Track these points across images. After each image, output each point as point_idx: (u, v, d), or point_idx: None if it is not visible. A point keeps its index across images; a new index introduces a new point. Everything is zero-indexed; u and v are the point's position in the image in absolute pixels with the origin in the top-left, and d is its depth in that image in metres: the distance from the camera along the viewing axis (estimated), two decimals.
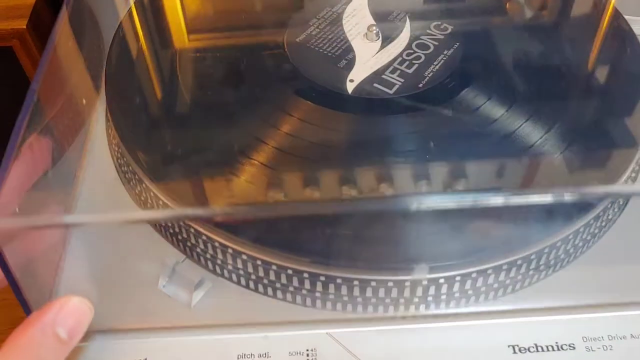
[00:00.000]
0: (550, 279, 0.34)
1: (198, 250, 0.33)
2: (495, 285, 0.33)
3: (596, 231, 0.35)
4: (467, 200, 0.27)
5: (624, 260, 0.35)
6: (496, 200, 0.27)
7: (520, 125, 0.36)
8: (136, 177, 0.35)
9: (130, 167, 0.35)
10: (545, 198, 0.29)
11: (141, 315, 0.32)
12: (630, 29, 0.43)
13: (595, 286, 0.34)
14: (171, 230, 0.34)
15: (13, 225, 0.26)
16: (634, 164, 0.36)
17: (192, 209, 0.33)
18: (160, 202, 0.34)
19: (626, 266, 0.34)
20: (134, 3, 0.45)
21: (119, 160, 0.38)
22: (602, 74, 0.41)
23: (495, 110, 0.37)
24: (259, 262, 0.32)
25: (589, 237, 0.34)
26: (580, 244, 0.34)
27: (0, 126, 0.55)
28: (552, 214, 0.33)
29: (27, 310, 0.28)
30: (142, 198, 0.35)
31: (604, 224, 0.35)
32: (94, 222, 0.30)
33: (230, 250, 0.32)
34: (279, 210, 0.30)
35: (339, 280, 0.31)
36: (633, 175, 0.37)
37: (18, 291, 0.27)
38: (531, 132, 0.36)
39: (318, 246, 0.31)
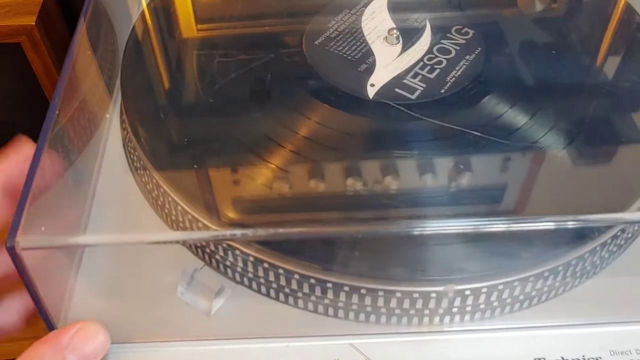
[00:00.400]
0: (577, 291, 0.34)
1: (217, 257, 0.32)
2: (521, 297, 0.32)
3: (622, 242, 0.34)
4: (485, 227, 0.28)
5: None
6: (524, 226, 0.28)
7: (545, 134, 0.36)
8: (147, 172, 0.34)
9: (142, 162, 0.35)
10: (569, 223, 0.29)
11: (159, 324, 0.31)
12: None
13: (622, 298, 0.33)
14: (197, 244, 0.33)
15: (41, 245, 0.26)
16: None
17: (214, 231, 0.32)
18: (179, 209, 0.33)
19: None
20: (147, 5, 0.44)
21: (132, 157, 0.37)
22: (627, 80, 0.41)
23: (518, 117, 0.37)
24: (280, 271, 0.31)
25: (615, 249, 0.34)
26: (607, 255, 0.34)
27: (9, 121, 0.55)
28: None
29: (50, 325, 0.28)
30: (162, 206, 0.34)
31: (629, 235, 0.35)
32: (120, 242, 0.29)
33: (251, 258, 0.31)
34: (305, 233, 0.29)
35: (363, 291, 0.30)
36: None
37: (41, 308, 0.26)
38: (558, 139, 0.36)
39: (342, 256, 0.31)
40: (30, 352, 0.26)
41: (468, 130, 0.35)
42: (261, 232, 0.28)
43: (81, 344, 0.27)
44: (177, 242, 0.32)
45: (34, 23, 0.48)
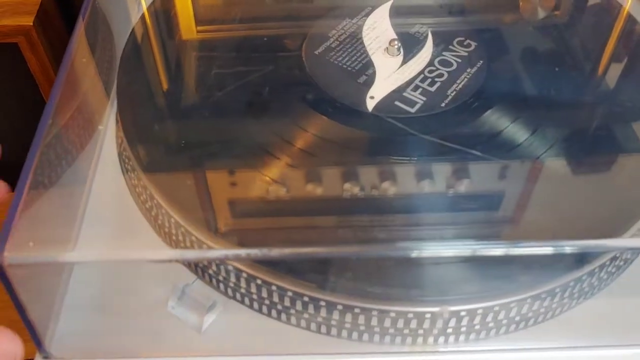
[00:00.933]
0: (574, 312, 0.33)
1: (210, 272, 0.32)
2: (517, 319, 0.32)
3: (621, 264, 0.34)
4: (482, 250, 0.28)
5: None
6: (521, 250, 0.27)
7: (546, 150, 0.35)
8: (141, 182, 0.34)
9: (136, 173, 0.34)
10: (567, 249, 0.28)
11: (148, 340, 0.31)
12: None
13: (620, 321, 0.33)
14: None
15: (29, 261, 0.25)
16: None
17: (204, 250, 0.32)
18: (173, 221, 0.32)
19: None
20: (147, 9, 0.44)
21: (126, 166, 0.36)
22: (629, 94, 0.40)
23: (519, 133, 0.36)
24: (274, 288, 0.30)
25: (613, 270, 0.33)
26: (605, 276, 0.33)
27: (5, 121, 0.54)
28: None
29: (37, 341, 0.27)
30: (156, 218, 0.34)
31: (628, 256, 0.34)
32: (111, 259, 0.29)
33: (244, 274, 0.31)
34: (305, 253, 0.28)
35: (357, 310, 0.30)
36: None
37: (28, 324, 0.26)
38: (560, 156, 0.35)
39: (337, 274, 0.30)
40: None
41: (465, 149, 0.34)
42: (268, 252, 0.28)
43: None
44: (171, 261, 0.32)
45: (31, 23, 0.48)
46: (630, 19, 0.43)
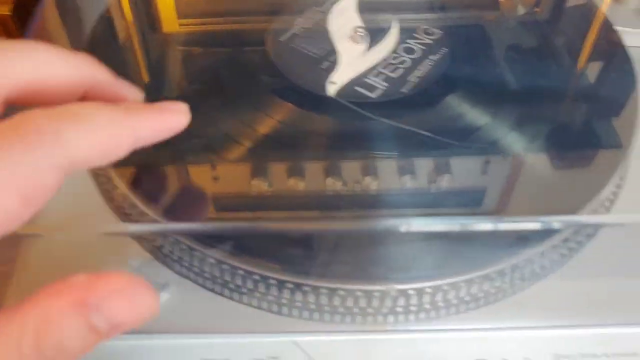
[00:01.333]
0: (525, 294, 0.33)
1: (165, 251, 0.32)
2: (467, 299, 0.32)
3: (574, 246, 0.34)
4: (435, 225, 0.29)
5: (599, 277, 0.34)
6: (478, 226, 0.28)
7: (505, 133, 0.36)
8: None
9: None
10: (524, 225, 0.29)
11: None
12: (621, 40, 0.42)
13: (569, 303, 0.33)
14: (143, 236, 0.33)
15: None
16: (620, 171, 0.36)
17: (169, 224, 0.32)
18: (128, 201, 0.33)
19: (602, 283, 0.34)
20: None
21: None
22: (590, 83, 0.40)
23: (478, 118, 0.37)
24: (225, 267, 0.31)
25: (566, 252, 0.34)
26: (557, 258, 0.33)
27: None
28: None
29: None
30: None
31: (583, 238, 0.35)
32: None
33: (197, 253, 0.31)
34: (247, 228, 0.29)
35: (306, 288, 0.30)
36: (619, 182, 0.36)
37: None
38: (515, 140, 0.36)
39: (287, 253, 0.31)
40: (35, 309, 0.20)
41: (421, 132, 0.35)
42: (211, 226, 0.29)
43: (118, 307, 0.20)
44: (118, 234, 0.33)
45: (8, 13, 0.48)
46: (606, 22, 0.44)
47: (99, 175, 0.35)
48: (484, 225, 0.30)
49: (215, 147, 0.35)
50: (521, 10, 0.47)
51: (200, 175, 0.35)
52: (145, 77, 0.40)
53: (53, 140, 0.20)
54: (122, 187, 0.33)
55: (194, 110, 0.37)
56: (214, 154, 0.35)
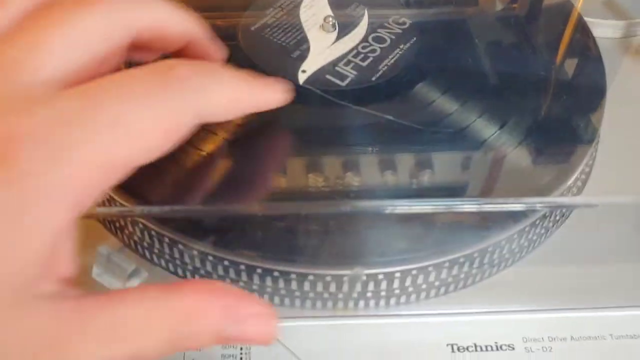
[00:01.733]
0: (494, 279, 0.34)
1: (135, 238, 0.32)
2: (437, 283, 0.32)
3: (543, 231, 0.35)
4: (403, 208, 0.29)
5: (567, 262, 0.34)
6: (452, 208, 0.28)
7: (473, 121, 0.36)
8: None
9: None
10: (493, 207, 0.29)
11: None
12: (590, 32, 0.43)
13: (537, 287, 0.34)
14: (108, 218, 0.33)
15: None
16: (587, 158, 0.36)
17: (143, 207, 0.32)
18: None
19: (570, 269, 0.34)
20: None
21: None
22: (562, 76, 0.41)
23: (447, 105, 0.37)
24: (195, 252, 0.31)
25: (534, 237, 0.34)
26: (525, 243, 0.34)
27: None
28: (496, 214, 0.32)
29: None
30: None
31: (551, 224, 0.35)
32: None
33: (166, 240, 0.31)
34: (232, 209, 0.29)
35: (275, 274, 0.30)
36: (587, 169, 0.37)
37: None
38: (484, 128, 0.36)
39: (256, 239, 0.31)
40: (191, 296, 0.21)
41: (389, 117, 0.35)
42: (177, 209, 0.28)
43: (250, 326, 0.22)
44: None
45: None
46: (580, 19, 0.44)
47: None
48: (457, 206, 0.31)
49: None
50: (499, 6, 0.47)
51: (173, 166, 0.34)
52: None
53: (195, 91, 0.22)
54: None
55: None
56: (187, 144, 0.35)
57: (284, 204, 0.30)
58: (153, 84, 0.21)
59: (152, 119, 0.21)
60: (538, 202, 0.33)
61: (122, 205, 0.31)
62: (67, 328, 0.19)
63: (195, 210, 0.28)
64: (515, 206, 0.32)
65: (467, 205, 0.31)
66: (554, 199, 0.34)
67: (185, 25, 0.26)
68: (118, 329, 0.20)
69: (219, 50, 0.29)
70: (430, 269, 0.31)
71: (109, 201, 0.32)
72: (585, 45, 0.43)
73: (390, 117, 0.35)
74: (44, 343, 0.19)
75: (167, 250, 0.31)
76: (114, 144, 0.20)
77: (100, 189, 0.20)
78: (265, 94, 0.27)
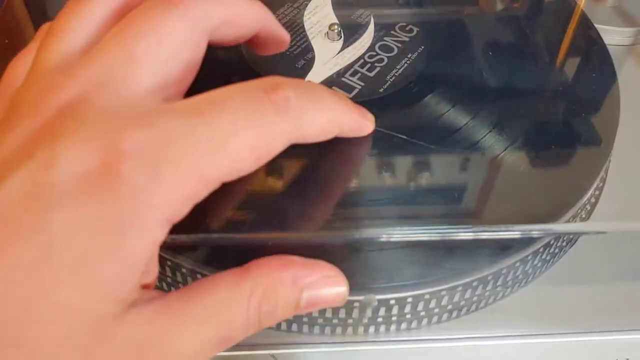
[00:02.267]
0: (508, 301, 0.33)
1: None
2: (449, 307, 0.31)
3: (556, 251, 0.33)
4: (412, 235, 0.29)
5: (579, 283, 0.34)
6: (459, 235, 0.27)
7: (486, 135, 0.35)
8: None
9: None
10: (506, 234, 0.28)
11: None
12: (600, 38, 0.42)
13: (554, 309, 0.33)
14: None
15: None
16: (598, 181, 0.35)
17: None
18: None
19: (586, 291, 0.33)
20: None
21: None
22: (571, 82, 0.40)
23: (459, 118, 0.36)
24: (199, 276, 0.30)
25: (548, 257, 0.33)
26: (539, 264, 0.33)
27: None
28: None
29: None
30: None
31: (564, 244, 0.34)
32: None
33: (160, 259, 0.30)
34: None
35: None
36: (600, 184, 0.36)
37: None
38: (497, 142, 0.35)
39: None
40: (262, 275, 0.23)
41: (396, 134, 0.34)
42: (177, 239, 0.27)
43: (322, 288, 0.24)
44: None
45: None
46: (584, 18, 0.43)
47: None
48: (464, 235, 0.30)
49: None
50: (500, 6, 0.46)
51: None
52: None
53: (296, 115, 0.23)
54: None
55: None
56: None
57: (288, 234, 0.29)
58: (255, 107, 0.22)
59: (250, 142, 0.21)
60: (546, 229, 0.31)
61: None
62: (164, 327, 0.21)
63: (199, 239, 0.27)
64: (514, 234, 0.30)
65: (480, 233, 0.30)
66: (564, 226, 0.32)
67: (258, 14, 0.27)
68: (207, 316, 0.21)
69: (286, 34, 0.30)
70: (443, 292, 0.30)
71: None
72: (597, 52, 0.41)
73: (404, 137, 0.33)
74: (148, 345, 0.20)
75: (162, 270, 0.30)
76: (211, 163, 0.20)
77: (192, 203, 0.21)
78: (360, 120, 0.28)
